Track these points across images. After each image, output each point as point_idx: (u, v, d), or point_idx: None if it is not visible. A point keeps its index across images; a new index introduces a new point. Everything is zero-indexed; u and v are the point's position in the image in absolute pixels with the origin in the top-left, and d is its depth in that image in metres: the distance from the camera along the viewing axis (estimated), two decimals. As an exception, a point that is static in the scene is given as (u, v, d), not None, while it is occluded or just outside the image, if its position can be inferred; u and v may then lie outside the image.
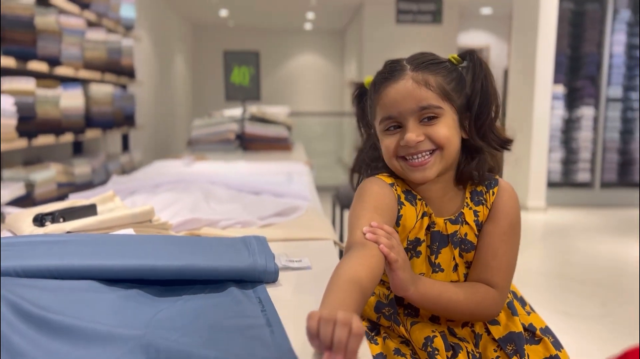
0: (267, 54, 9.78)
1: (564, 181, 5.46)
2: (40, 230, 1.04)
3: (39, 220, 1.07)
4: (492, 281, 0.95)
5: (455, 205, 0.99)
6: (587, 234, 4.32)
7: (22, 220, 1.09)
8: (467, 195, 1.00)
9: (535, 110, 5.10)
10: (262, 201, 1.56)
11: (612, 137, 5.36)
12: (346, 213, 2.61)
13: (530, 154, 5.14)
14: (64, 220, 1.08)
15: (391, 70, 0.96)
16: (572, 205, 5.34)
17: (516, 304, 1.02)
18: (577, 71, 5.32)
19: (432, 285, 0.90)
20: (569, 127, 5.40)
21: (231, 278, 0.84)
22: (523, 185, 5.24)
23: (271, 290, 0.84)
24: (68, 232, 1.03)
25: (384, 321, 0.98)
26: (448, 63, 0.98)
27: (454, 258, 0.98)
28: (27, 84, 2.59)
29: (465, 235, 0.98)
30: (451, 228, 0.97)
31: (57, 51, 2.90)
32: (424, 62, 0.95)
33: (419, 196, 0.98)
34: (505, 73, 5.92)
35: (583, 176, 5.43)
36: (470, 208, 0.98)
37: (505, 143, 0.99)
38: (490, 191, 0.99)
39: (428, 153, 0.94)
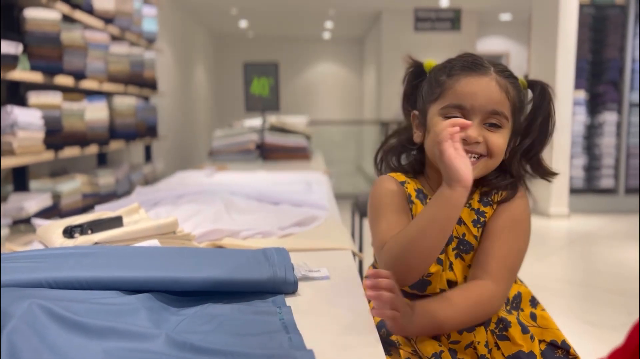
0: (287, 63, 9.87)
1: (587, 187, 5.38)
2: (70, 242, 1.08)
3: (69, 232, 1.11)
4: (487, 270, 0.92)
5: None
6: (611, 241, 4.26)
7: (52, 232, 1.13)
8: (476, 197, 0.99)
9: (556, 115, 5.04)
10: (281, 211, 1.59)
11: (636, 142, 5.27)
12: (365, 222, 2.61)
13: (551, 160, 5.03)
14: (92, 232, 1.11)
15: (475, 63, 0.96)
16: (595, 212, 5.26)
17: (542, 319, 0.99)
18: (599, 76, 5.26)
19: (424, 312, 0.86)
20: (592, 132, 5.33)
21: (251, 289, 0.88)
22: (545, 192, 5.19)
23: (290, 299, 0.87)
24: (96, 243, 1.06)
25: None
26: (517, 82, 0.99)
27: (447, 254, 0.97)
28: (53, 98, 2.67)
29: (464, 235, 0.97)
30: None
31: (83, 65, 2.99)
32: (506, 71, 0.97)
33: (429, 197, 1.00)
34: (526, 80, 5.88)
35: (606, 182, 5.35)
36: (473, 209, 0.98)
37: (548, 175, 1.06)
38: (500, 192, 0.99)
39: (476, 156, 0.94)
